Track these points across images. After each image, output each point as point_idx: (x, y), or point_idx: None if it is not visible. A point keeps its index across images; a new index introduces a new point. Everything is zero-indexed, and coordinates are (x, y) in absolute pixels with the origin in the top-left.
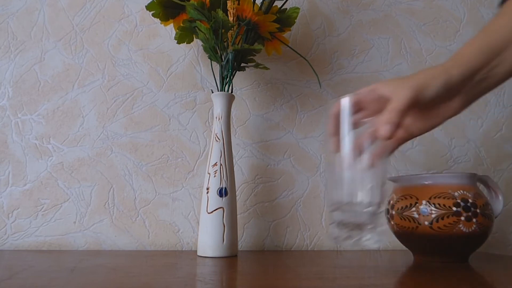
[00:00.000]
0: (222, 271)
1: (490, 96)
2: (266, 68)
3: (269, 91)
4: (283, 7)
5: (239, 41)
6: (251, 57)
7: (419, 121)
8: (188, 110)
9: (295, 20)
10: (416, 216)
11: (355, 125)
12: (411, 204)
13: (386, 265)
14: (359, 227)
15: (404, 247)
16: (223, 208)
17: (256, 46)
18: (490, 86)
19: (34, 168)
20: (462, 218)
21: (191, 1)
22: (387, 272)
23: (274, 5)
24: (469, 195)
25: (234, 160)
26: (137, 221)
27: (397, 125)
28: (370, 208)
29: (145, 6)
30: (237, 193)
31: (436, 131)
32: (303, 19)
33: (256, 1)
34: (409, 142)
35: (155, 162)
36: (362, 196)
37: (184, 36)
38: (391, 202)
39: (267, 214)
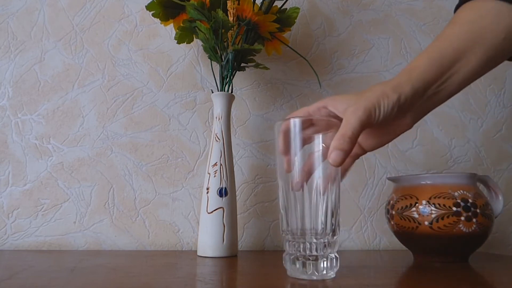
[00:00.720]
0: (222, 271)
1: (490, 96)
2: (266, 68)
3: (269, 91)
4: (283, 7)
5: (239, 41)
6: (251, 57)
7: (371, 139)
8: (188, 110)
9: (295, 20)
10: (416, 216)
11: (306, 140)
12: (411, 204)
13: (386, 265)
14: (312, 258)
15: (404, 247)
16: (223, 208)
17: (256, 46)
18: (442, 99)
19: (34, 168)
20: (462, 218)
21: (191, 1)
22: (387, 272)
23: (274, 5)
24: (469, 195)
25: (234, 160)
26: (137, 221)
27: (349, 153)
28: (322, 238)
29: (145, 6)
30: (237, 193)
31: (436, 131)
32: (303, 19)
33: (256, 1)
34: (409, 142)
35: (155, 162)
36: (313, 223)
37: (184, 36)
38: (391, 202)
39: (267, 214)
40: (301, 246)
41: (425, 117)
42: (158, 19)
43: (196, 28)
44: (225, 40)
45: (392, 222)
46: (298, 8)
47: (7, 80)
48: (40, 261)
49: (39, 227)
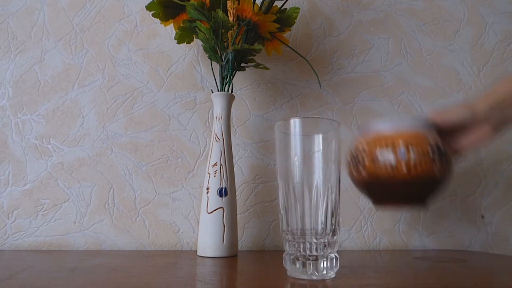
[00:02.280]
0: (222, 271)
1: None
2: (266, 68)
3: (269, 91)
4: (283, 7)
5: (239, 41)
6: (251, 57)
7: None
8: (188, 110)
9: (295, 20)
10: (394, 162)
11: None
12: (388, 150)
13: (386, 265)
14: (312, 258)
15: (404, 247)
16: (223, 208)
17: (256, 46)
18: None
19: (34, 168)
20: (436, 161)
21: (191, 1)
22: (387, 272)
23: (274, 5)
24: (438, 140)
25: (234, 160)
26: (137, 221)
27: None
28: (322, 238)
29: (145, 6)
30: (237, 193)
31: None
32: (303, 19)
33: (256, 1)
34: None
35: (155, 162)
36: (313, 223)
37: (184, 36)
38: (361, 151)
39: (267, 214)
40: (301, 246)
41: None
42: (158, 19)
43: (196, 28)
44: (225, 40)
45: (363, 173)
46: (298, 8)
47: (7, 80)
48: (40, 261)
49: (39, 227)
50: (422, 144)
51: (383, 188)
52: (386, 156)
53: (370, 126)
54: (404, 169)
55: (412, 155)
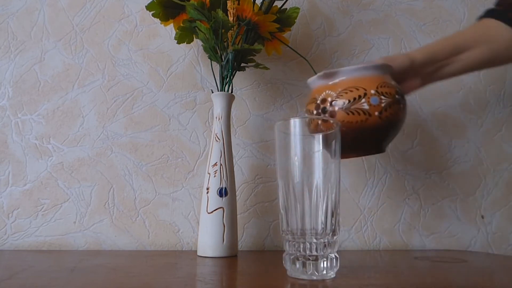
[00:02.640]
0: (222, 271)
1: (490, 96)
2: (266, 68)
3: (269, 91)
4: (283, 7)
5: (239, 41)
6: (251, 57)
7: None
8: (188, 110)
9: (295, 20)
10: (367, 107)
11: None
12: (360, 96)
13: (386, 265)
14: (312, 258)
15: (403, 247)
16: (223, 208)
17: (256, 46)
18: (444, 76)
19: (34, 168)
20: (401, 105)
21: (191, 1)
22: (387, 272)
23: (274, 5)
24: (397, 85)
25: (234, 160)
26: (137, 221)
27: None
28: (322, 238)
29: (145, 6)
30: (237, 193)
31: (436, 131)
32: (303, 19)
33: (256, 1)
34: (409, 142)
35: (155, 162)
36: (313, 223)
37: (184, 36)
38: (328, 99)
39: (267, 214)
40: (301, 246)
41: (425, 117)
42: (158, 19)
43: (196, 28)
44: (225, 40)
45: (333, 122)
46: (298, 8)
47: (7, 80)
48: (40, 261)
49: (39, 227)
50: (390, 89)
51: (353, 136)
52: (358, 103)
53: (333, 74)
54: (377, 114)
55: (383, 100)
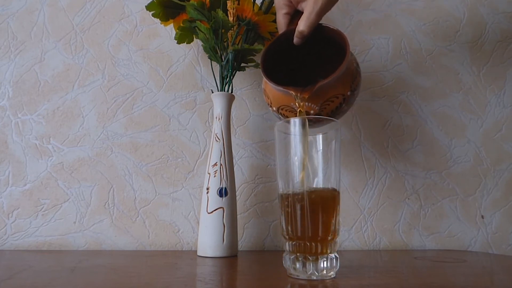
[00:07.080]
0: (222, 271)
1: (490, 96)
2: None
3: None
4: None
5: (239, 41)
6: (251, 57)
7: None
8: (188, 110)
9: None
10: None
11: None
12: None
13: (386, 265)
14: (312, 258)
15: (404, 248)
16: (223, 208)
17: (256, 46)
18: None
19: (34, 168)
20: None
21: (191, 1)
22: (387, 272)
23: (274, 5)
24: None
25: (234, 160)
26: (137, 221)
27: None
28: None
29: (145, 6)
30: (237, 193)
31: (436, 131)
32: None
33: (256, 1)
34: (409, 142)
35: (155, 162)
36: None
37: (184, 36)
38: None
39: (267, 214)
40: (301, 246)
41: (425, 117)
42: (158, 19)
43: (196, 28)
44: (225, 40)
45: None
46: None
47: (7, 80)
48: (40, 261)
49: (39, 227)
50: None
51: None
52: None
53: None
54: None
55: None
